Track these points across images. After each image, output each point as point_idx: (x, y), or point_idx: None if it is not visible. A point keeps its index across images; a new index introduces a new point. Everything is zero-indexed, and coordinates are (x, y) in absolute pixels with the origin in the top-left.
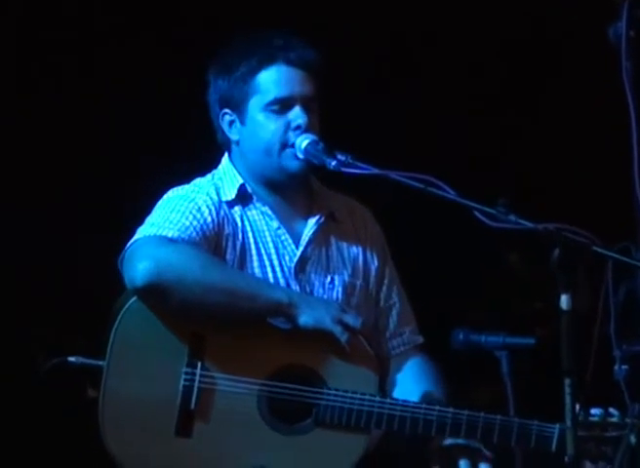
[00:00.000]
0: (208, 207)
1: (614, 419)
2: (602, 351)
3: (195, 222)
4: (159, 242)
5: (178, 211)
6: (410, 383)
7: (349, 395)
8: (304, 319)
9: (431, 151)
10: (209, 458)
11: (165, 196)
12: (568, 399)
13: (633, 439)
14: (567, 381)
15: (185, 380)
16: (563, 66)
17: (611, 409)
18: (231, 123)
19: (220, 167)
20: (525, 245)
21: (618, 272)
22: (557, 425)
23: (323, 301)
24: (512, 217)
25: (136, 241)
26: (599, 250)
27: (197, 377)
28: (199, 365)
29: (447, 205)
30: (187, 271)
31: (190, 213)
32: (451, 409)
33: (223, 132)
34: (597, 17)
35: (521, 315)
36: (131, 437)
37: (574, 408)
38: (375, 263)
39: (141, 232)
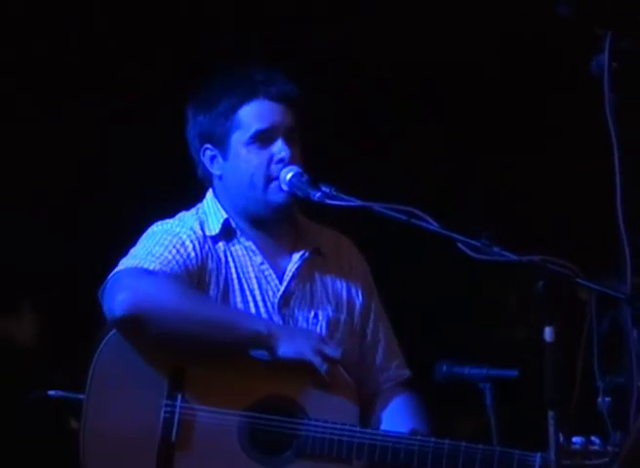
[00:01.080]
0: (192, 241)
1: (595, 447)
2: (585, 383)
3: (178, 256)
4: (138, 274)
5: (161, 244)
6: (396, 420)
7: (330, 425)
8: (284, 349)
9: (412, 183)
10: None
11: (149, 229)
12: (551, 431)
13: None
14: (550, 414)
15: (166, 412)
16: (546, 98)
17: (592, 438)
18: (213, 158)
19: (204, 201)
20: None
21: (601, 304)
22: (538, 454)
23: (303, 332)
24: (496, 250)
25: (116, 273)
26: (583, 282)
27: (177, 409)
28: (179, 397)
29: (429, 237)
30: (165, 303)
31: (174, 246)
32: (432, 439)
33: (205, 167)
34: (580, 49)
35: (504, 344)
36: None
37: (557, 440)
38: (360, 298)
39: (123, 264)
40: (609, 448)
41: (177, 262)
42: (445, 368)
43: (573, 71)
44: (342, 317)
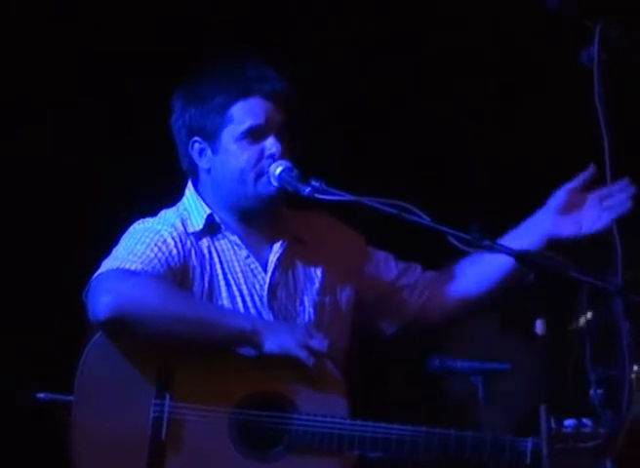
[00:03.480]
0: (173, 238)
1: (587, 430)
2: (577, 375)
3: (160, 254)
4: (120, 275)
5: (143, 242)
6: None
7: (320, 419)
8: (269, 345)
9: (403, 176)
10: None
11: (131, 228)
12: (543, 424)
13: (609, 466)
14: (542, 407)
15: (155, 412)
16: (535, 92)
17: (584, 420)
18: (201, 151)
19: (184, 198)
20: None
21: (593, 296)
22: (530, 438)
23: (288, 327)
24: (487, 243)
25: (99, 275)
26: (575, 274)
27: (166, 409)
28: (167, 397)
29: (421, 230)
30: (148, 303)
31: (155, 245)
32: (423, 428)
33: (192, 160)
34: (570, 41)
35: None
36: None
37: (549, 432)
38: (348, 274)
39: (105, 266)
40: (600, 431)
41: (159, 260)
42: (438, 361)
43: (564, 63)
44: (327, 299)
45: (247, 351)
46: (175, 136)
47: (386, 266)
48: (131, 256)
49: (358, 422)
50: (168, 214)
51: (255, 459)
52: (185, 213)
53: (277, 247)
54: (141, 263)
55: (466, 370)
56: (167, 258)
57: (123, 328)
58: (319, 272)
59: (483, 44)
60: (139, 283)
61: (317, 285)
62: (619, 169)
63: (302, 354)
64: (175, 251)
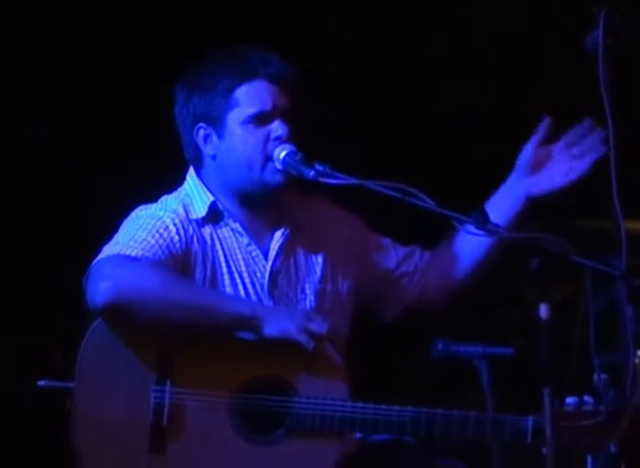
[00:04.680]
0: (175, 225)
1: (589, 407)
2: (581, 360)
3: (161, 241)
4: (120, 261)
5: (144, 229)
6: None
7: (320, 402)
8: (269, 330)
9: (406, 161)
10: None
11: (132, 213)
12: (547, 408)
13: (613, 448)
14: (546, 390)
15: (156, 398)
16: (539, 78)
17: (585, 398)
18: (207, 137)
19: (185, 184)
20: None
21: (597, 281)
22: (531, 417)
23: (287, 311)
24: (490, 226)
25: (98, 261)
26: (578, 259)
27: (167, 394)
28: (168, 382)
29: (425, 214)
30: (147, 289)
31: (157, 231)
32: (424, 409)
33: (197, 147)
34: (575, 26)
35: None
36: (105, 457)
37: (553, 417)
38: (347, 261)
39: (105, 251)
40: (602, 408)
41: (160, 247)
42: (441, 345)
43: (568, 49)
44: (328, 287)
45: (247, 336)
46: (179, 127)
47: (387, 254)
48: (132, 243)
49: (359, 404)
50: (169, 200)
51: (255, 443)
52: (187, 199)
53: (279, 235)
54: (142, 249)
55: (470, 354)
56: (168, 245)
57: (122, 314)
58: (320, 259)
59: (485, 37)
60: (138, 269)
61: (318, 273)
62: (624, 158)
63: (302, 338)
64: (176, 237)
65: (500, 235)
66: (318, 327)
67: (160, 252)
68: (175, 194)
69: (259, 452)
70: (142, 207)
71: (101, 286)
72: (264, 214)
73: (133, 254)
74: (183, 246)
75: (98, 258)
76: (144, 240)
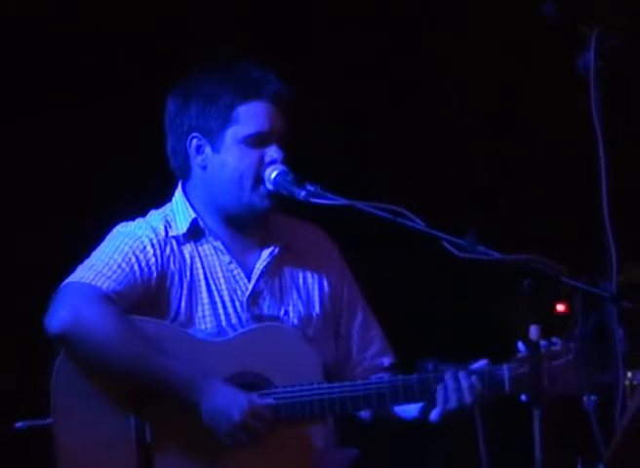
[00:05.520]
0: (153, 246)
1: (558, 348)
2: None
3: (136, 266)
4: (86, 295)
5: (120, 251)
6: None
7: (297, 388)
8: (204, 409)
9: (396, 182)
10: None
11: (113, 230)
12: (537, 430)
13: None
14: (536, 413)
15: (136, 418)
16: (530, 98)
17: (554, 339)
18: (199, 148)
19: (173, 199)
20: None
21: (586, 302)
22: (505, 365)
23: (228, 397)
24: (481, 248)
25: (68, 284)
26: (568, 280)
27: (144, 411)
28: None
29: (415, 235)
30: (99, 333)
31: (133, 253)
32: (400, 377)
33: (187, 156)
34: (565, 47)
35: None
36: None
37: (543, 441)
38: (332, 291)
39: (77, 274)
40: (571, 345)
41: (133, 274)
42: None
43: (558, 70)
44: (315, 312)
45: (215, 336)
46: (168, 133)
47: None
48: (105, 270)
49: (335, 384)
50: (153, 216)
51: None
52: (171, 214)
53: (266, 254)
54: (114, 281)
55: None
56: (142, 269)
57: (69, 346)
58: (309, 284)
59: (480, 50)
60: (100, 311)
61: (305, 297)
62: (615, 177)
63: (227, 441)
64: (152, 259)
65: (491, 257)
66: (257, 423)
67: (133, 279)
68: (161, 210)
69: (246, 452)
70: (123, 224)
71: (61, 313)
72: (250, 232)
73: (104, 288)
74: (159, 267)
75: (68, 280)
76: (119, 266)
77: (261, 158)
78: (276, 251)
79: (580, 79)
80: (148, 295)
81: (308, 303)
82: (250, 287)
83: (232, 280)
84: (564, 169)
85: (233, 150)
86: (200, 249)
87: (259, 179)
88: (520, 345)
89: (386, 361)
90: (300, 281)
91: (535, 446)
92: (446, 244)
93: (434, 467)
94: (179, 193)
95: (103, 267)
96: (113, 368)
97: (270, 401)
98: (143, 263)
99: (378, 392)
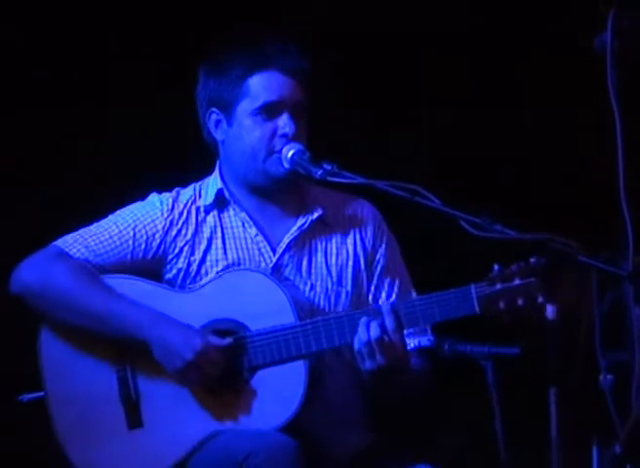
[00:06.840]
0: (165, 218)
1: (514, 268)
2: (587, 360)
3: (130, 242)
4: (54, 259)
5: (123, 221)
6: None
7: (270, 330)
8: (154, 351)
9: (413, 161)
10: (166, 438)
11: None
12: (553, 408)
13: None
14: (552, 390)
15: (118, 372)
16: (547, 77)
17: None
18: (218, 122)
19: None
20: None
21: (603, 281)
22: (471, 285)
23: (184, 334)
24: (498, 227)
25: (49, 247)
26: (585, 259)
27: (128, 367)
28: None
29: (433, 214)
30: (56, 291)
31: (135, 226)
32: (373, 306)
33: (209, 131)
34: (582, 27)
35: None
36: (89, 442)
37: (559, 418)
38: (366, 262)
39: (68, 239)
40: (531, 262)
41: (123, 249)
42: (447, 345)
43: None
44: (346, 290)
45: (186, 288)
46: (197, 108)
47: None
48: (91, 240)
49: (307, 321)
50: (188, 188)
51: (225, 393)
52: (204, 185)
53: (295, 228)
54: (92, 253)
55: (476, 354)
56: (135, 247)
57: (28, 304)
58: (342, 260)
59: (493, 31)
60: (63, 272)
61: (337, 273)
62: (631, 160)
63: (179, 379)
64: (160, 225)
65: (507, 236)
66: (210, 367)
67: (118, 254)
68: (201, 181)
69: (229, 397)
70: (154, 194)
71: (24, 274)
72: (282, 202)
73: (75, 256)
74: (163, 237)
75: (54, 243)
76: (110, 238)
77: (274, 131)
78: (306, 224)
79: (598, 58)
80: (144, 265)
81: (340, 280)
82: (274, 260)
83: (257, 253)
84: (580, 148)
85: (245, 124)
86: (224, 219)
87: (270, 151)
88: (495, 267)
89: (417, 343)
90: (333, 257)
91: (551, 425)
92: (463, 222)
93: (448, 452)
94: (216, 166)
95: (91, 236)
96: (67, 318)
97: (229, 341)
98: (143, 238)
99: (350, 323)
